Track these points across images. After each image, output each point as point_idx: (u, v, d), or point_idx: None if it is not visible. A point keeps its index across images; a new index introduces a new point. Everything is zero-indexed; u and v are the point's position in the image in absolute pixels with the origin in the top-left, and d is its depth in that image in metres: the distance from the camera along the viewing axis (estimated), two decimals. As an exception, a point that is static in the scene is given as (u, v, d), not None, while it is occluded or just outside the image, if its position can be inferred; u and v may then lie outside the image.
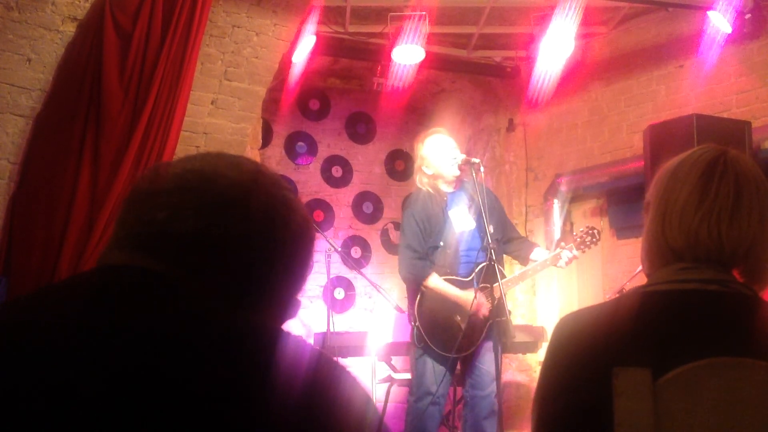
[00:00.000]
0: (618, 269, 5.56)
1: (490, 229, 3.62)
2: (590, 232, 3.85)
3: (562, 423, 1.21)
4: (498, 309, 3.71)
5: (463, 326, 3.69)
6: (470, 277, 3.76)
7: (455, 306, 3.70)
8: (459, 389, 4.42)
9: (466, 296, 3.69)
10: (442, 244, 3.77)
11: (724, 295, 1.23)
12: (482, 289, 3.73)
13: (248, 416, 0.78)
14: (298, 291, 1.00)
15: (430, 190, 3.86)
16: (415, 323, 3.79)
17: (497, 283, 3.65)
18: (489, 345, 3.78)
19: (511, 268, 4.92)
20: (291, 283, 0.98)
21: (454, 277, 3.75)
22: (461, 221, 3.83)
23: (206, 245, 0.90)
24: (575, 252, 3.78)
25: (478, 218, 3.79)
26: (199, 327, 0.84)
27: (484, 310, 3.69)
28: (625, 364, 1.12)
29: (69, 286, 0.94)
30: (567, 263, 3.80)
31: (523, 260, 3.92)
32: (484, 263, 3.72)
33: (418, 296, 3.78)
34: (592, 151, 5.87)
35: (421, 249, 3.77)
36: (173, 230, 0.90)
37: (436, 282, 3.72)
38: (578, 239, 3.83)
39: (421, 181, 3.91)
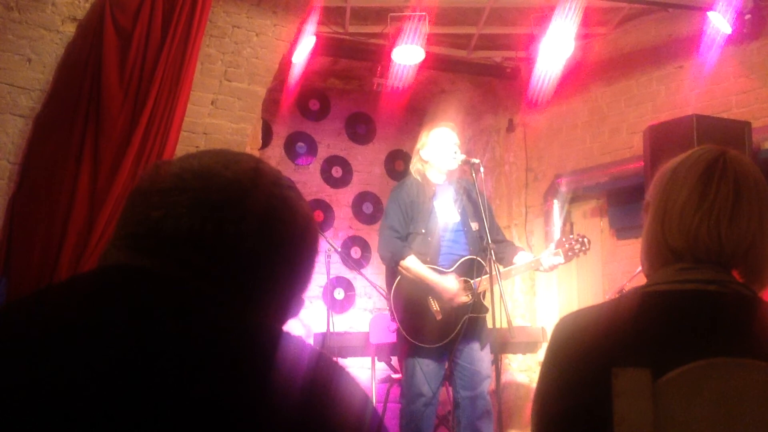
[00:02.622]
0: (618, 269, 5.55)
1: (474, 227, 3.64)
2: (579, 240, 3.82)
3: (561, 423, 1.21)
4: (478, 305, 3.72)
5: (438, 313, 3.70)
6: (451, 269, 3.76)
7: (430, 290, 3.71)
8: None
9: (443, 280, 3.69)
10: (424, 231, 3.78)
11: (723, 296, 1.23)
12: (462, 283, 3.73)
13: (248, 416, 0.78)
14: (302, 291, 1.00)
15: (419, 178, 3.90)
16: (391, 308, 3.81)
17: (478, 279, 3.67)
18: (475, 345, 3.77)
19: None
20: (293, 282, 0.98)
21: (433, 266, 3.75)
22: (445, 213, 3.84)
23: (200, 244, 0.90)
24: (560, 259, 3.78)
25: (463, 213, 3.81)
26: (194, 326, 0.84)
27: (460, 296, 3.68)
28: (625, 365, 1.12)
29: (68, 286, 0.94)
30: (550, 268, 3.80)
31: (506, 263, 3.90)
32: (468, 257, 3.74)
33: (396, 281, 3.79)
34: (592, 152, 5.87)
35: (402, 231, 3.80)
36: (167, 229, 0.90)
37: (413, 263, 3.73)
38: (566, 245, 3.82)
39: (414, 165, 3.96)
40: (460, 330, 3.68)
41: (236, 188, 0.93)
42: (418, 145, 3.96)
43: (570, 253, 3.80)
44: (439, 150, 3.86)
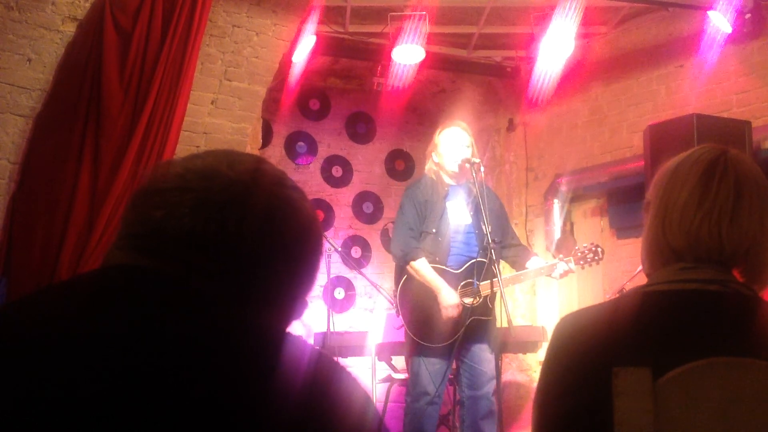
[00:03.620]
0: (618, 269, 5.55)
1: (485, 228, 3.63)
2: (594, 249, 3.82)
3: (562, 423, 1.21)
4: (483, 308, 3.71)
5: (441, 317, 3.69)
6: (460, 270, 3.76)
7: (434, 296, 3.70)
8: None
9: (444, 292, 3.68)
10: (434, 231, 3.78)
11: (724, 295, 1.23)
12: (467, 285, 3.73)
13: (248, 417, 0.78)
14: (305, 292, 0.99)
15: (434, 177, 3.90)
16: (396, 307, 3.81)
17: (486, 282, 3.67)
18: (483, 346, 3.77)
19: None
20: (295, 283, 0.97)
21: (441, 267, 3.75)
22: (457, 214, 3.84)
23: (202, 244, 0.89)
24: (572, 266, 3.78)
25: (475, 215, 3.80)
26: (195, 327, 0.84)
27: (454, 312, 3.66)
28: (625, 364, 1.12)
29: (68, 286, 0.94)
30: (562, 275, 3.80)
31: (519, 267, 3.91)
32: (477, 259, 3.74)
33: (403, 279, 3.80)
34: (593, 151, 5.87)
35: (417, 229, 3.80)
36: (169, 229, 0.90)
37: (423, 266, 3.72)
38: (579, 254, 3.81)
39: (429, 165, 3.96)
40: (464, 331, 3.68)
41: (238, 188, 0.93)
42: (430, 148, 3.96)
43: (582, 261, 3.80)
44: (447, 153, 3.85)
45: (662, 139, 3.94)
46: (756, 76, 4.89)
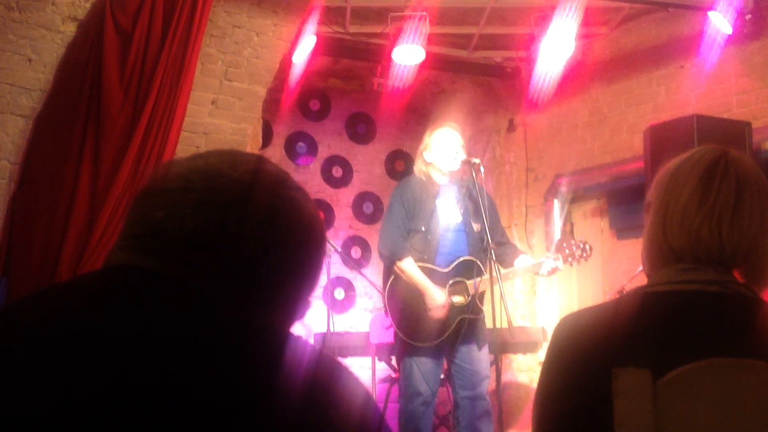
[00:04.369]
0: (618, 269, 5.55)
1: (476, 227, 3.63)
2: (581, 246, 3.83)
3: (562, 424, 1.21)
4: (473, 306, 3.71)
5: (429, 316, 3.69)
6: (448, 269, 3.75)
7: (421, 296, 3.70)
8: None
9: (431, 291, 3.68)
10: (423, 229, 3.78)
11: (724, 296, 1.23)
12: (456, 284, 3.72)
13: (249, 417, 0.78)
14: (307, 293, 0.99)
15: (423, 178, 3.90)
16: (385, 307, 3.81)
17: (478, 279, 3.66)
18: (473, 346, 3.76)
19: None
20: (297, 284, 0.97)
21: (430, 266, 3.75)
22: (447, 213, 3.83)
23: (202, 244, 0.89)
24: (559, 264, 3.78)
25: (465, 213, 3.81)
26: (194, 327, 0.84)
27: (441, 312, 3.66)
28: (625, 365, 1.12)
29: (69, 286, 0.94)
30: (549, 273, 3.80)
31: (507, 265, 3.90)
32: (466, 258, 3.74)
33: (390, 279, 3.79)
34: (593, 152, 5.87)
35: (405, 228, 3.79)
36: (170, 229, 0.90)
37: (409, 266, 3.72)
38: (567, 251, 3.82)
39: (418, 167, 3.95)
40: (454, 329, 3.68)
41: (240, 188, 0.93)
42: (421, 147, 3.95)
43: (570, 259, 3.80)
44: (442, 152, 3.85)
45: (662, 140, 3.94)
46: (756, 77, 4.89)
